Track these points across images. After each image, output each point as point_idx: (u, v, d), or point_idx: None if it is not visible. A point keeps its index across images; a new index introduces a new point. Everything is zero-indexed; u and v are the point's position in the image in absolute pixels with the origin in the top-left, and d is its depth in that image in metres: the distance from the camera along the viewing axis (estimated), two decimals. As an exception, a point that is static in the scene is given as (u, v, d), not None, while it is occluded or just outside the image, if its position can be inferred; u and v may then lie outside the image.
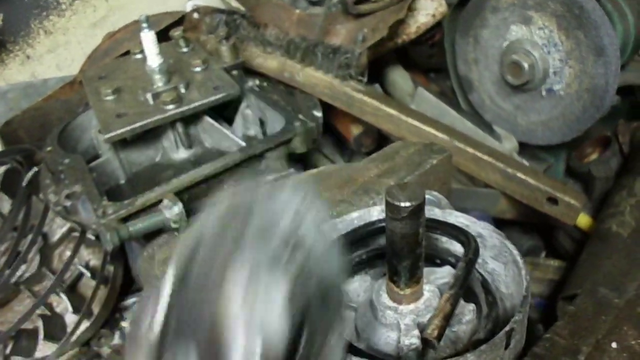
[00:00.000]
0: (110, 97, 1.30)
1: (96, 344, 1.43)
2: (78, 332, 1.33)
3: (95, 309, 1.38)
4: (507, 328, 0.54)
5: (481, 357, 0.53)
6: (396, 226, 0.56)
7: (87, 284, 1.41)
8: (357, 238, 0.69)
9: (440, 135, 1.22)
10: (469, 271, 0.60)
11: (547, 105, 1.34)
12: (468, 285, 0.65)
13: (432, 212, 0.70)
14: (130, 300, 1.51)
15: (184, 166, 1.30)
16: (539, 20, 1.30)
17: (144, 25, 1.24)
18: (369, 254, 0.72)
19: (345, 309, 0.63)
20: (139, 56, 1.43)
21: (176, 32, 1.47)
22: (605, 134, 1.56)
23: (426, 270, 0.65)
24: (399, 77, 1.51)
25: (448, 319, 0.56)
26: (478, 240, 0.66)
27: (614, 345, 0.56)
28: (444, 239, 0.72)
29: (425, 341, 0.56)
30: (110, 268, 1.38)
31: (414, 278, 0.59)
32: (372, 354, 0.57)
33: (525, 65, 1.30)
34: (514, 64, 1.32)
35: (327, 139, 1.49)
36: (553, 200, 1.18)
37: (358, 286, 0.70)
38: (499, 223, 1.34)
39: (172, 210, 1.06)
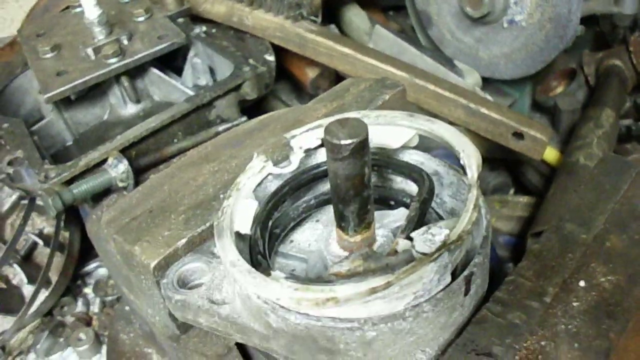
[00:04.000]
0: (49, 55, 1.22)
1: (59, 313, 1.39)
2: (37, 302, 1.28)
3: (53, 277, 1.32)
4: (465, 272, 0.50)
5: (438, 306, 0.49)
6: (338, 167, 0.51)
7: (43, 253, 1.35)
8: (302, 183, 0.64)
9: (398, 72, 1.16)
10: (423, 212, 0.55)
11: (509, 37, 1.29)
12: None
13: (384, 149, 0.65)
14: (92, 266, 1.45)
15: (133, 122, 1.23)
16: (498, -53, 1.23)
17: (78, -28, 1.15)
18: (317, 199, 0.67)
19: None
20: (78, 9, 1.34)
21: (116, -19, 1.37)
22: (570, 67, 1.52)
23: (379, 213, 0.61)
24: (355, 16, 1.44)
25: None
26: (434, 178, 0.62)
27: (581, 283, 0.52)
28: (399, 178, 0.67)
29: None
30: (66, 234, 1.32)
31: (364, 223, 0.55)
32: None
33: (485, -5, 1.24)
34: (474, -5, 1.25)
35: (284, 85, 1.43)
36: (519, 135, 1.14)
37: (309, 235, 0.66)
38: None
39: (118, 169, 1.00)
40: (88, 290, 1.42)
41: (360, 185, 0.52)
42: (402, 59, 1.32)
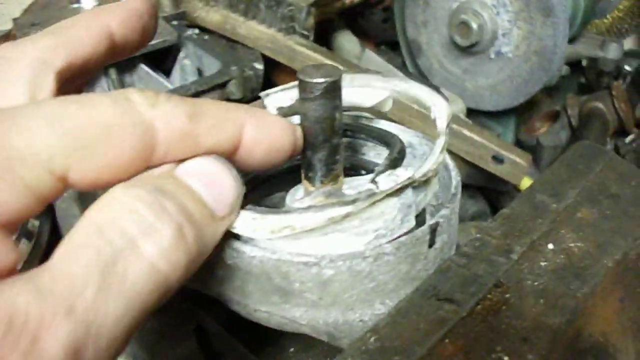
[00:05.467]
0: (39, 44, 1.22)
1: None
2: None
3: (18, 266, 1.27)
4: (431, 222, 0.49)
5: (400, 250, 0.47)
6: (309, 107, 0.50)
7: (8, 243, 1.31)
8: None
9: (385, 89, 1.17)
10: (392, 169, 0.54)
11: (495, 68, 1.31)
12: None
13: (359, 117, 0.64)
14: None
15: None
16: (489, -19, 1.27)
17: (76, -35, 1.17)
18: (291, 163, 0.65)
19: None
20: (76, 5, 1.36)
21: (115, -17, 1.40)
22: (554, 109, 1.55)
23: (348, 178, 0.59)
24: (346, 41, 1.46)
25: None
26: (407, 150, 0.61)
27: (550, 246, 0.51)
28: (372, 152, 0.66)
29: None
30: (36, 223, 1.29)
31: (331, 174, 0.53)
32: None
33: (474, 25, 1.27)
34: (463, 24, 1.29)
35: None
36: (498, 159, 1.15)
37: (277, 203, 0.64)
38: (445, 186, 1.29)
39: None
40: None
41: (329, 129, 0.51)
42: (389, 82, 1.33)
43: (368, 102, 0.61)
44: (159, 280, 0.33)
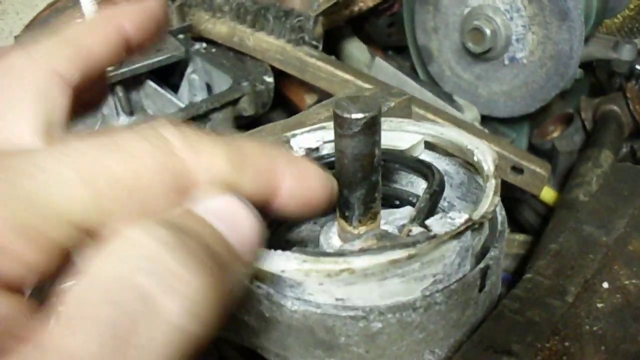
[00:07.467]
0: (42, 62, 1.19)
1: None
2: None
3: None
4: (481, 265, 0.46)
5: (451, 298, 0.45)
6: (347, 145, 0.47)
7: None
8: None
9: (399, 100, 1.14)
10: (434, 203, 0.52)
11: (510, 74, 1.29)
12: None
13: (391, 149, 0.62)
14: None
15: (123, 136, 1.20)
16: (501, -15, 1.24)
17: (80, -20, 1.13)
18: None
19: None
20: (79, 21, 1.33)
21: (117, -4, 1.37)
22: (567, 111, 1.52)
23: (384, 211, 0.57)
24: (355, 49, 1.43)
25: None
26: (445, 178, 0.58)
27: (605, 285, 0.48)
28: (404, 180, 0.64)
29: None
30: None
31: (370, 213, 0.50)
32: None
33: (487, 31, 1.24)
34: (476, 30, 1.26)
35: (280, 112, 1.40)
36: (518, 170, 1.12)
37: (305, 236, 0.61)
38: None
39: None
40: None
41: (369, 166, 0.48)
42: (401, 91, 1.30)
43: (400, 146, 0.58)
44: (186, 342, 0.27)
